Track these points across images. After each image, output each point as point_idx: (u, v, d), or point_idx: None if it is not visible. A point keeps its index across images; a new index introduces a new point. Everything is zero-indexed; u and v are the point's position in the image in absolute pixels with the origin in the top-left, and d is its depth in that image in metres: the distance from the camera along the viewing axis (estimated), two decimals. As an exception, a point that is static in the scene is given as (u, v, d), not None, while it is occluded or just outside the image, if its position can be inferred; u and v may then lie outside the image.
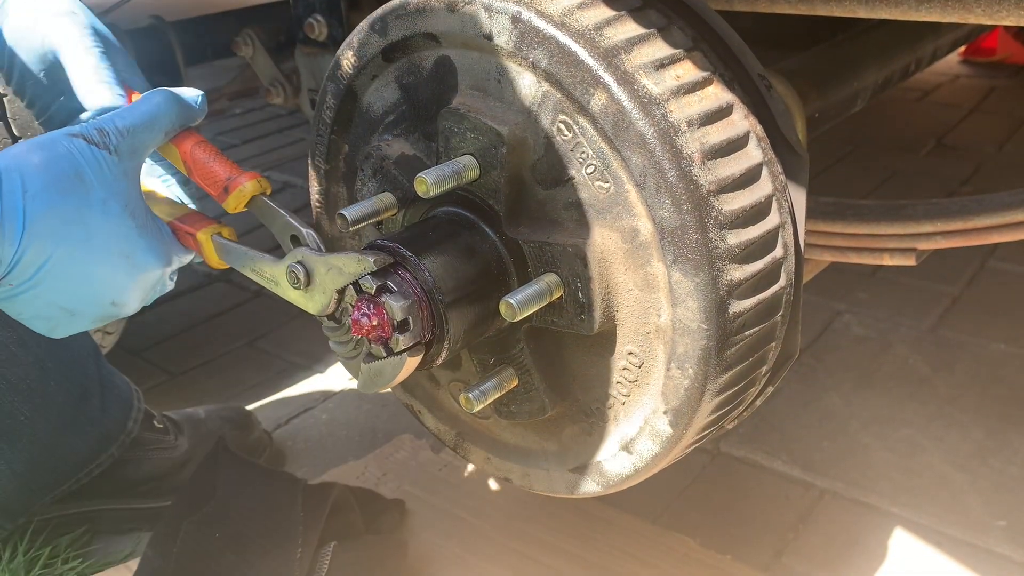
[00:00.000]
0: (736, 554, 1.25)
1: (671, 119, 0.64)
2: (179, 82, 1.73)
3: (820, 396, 1.58)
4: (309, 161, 0.87)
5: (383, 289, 0.69)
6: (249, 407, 1.62)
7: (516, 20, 0.67)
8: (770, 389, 0.80)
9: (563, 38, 0.65)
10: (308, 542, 1.15)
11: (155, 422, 1.37)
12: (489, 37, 0.69)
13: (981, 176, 2.37)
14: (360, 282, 0.70)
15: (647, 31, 0.68)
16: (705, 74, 0.68)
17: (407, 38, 0.74)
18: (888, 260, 0.99)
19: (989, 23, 0.66)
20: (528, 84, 0.69)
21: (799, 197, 0.73)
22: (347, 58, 0.79)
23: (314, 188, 0.88)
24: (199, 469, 1.27)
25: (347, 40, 0.79)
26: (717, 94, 0.68)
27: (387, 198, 0.77)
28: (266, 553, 1.13)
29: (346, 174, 0.85)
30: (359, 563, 1.17)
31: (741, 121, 0.69)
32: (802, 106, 0.96)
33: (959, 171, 2.40)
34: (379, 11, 0.75)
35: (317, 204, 0.89)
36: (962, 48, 2.48)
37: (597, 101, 0.65)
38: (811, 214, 1.02)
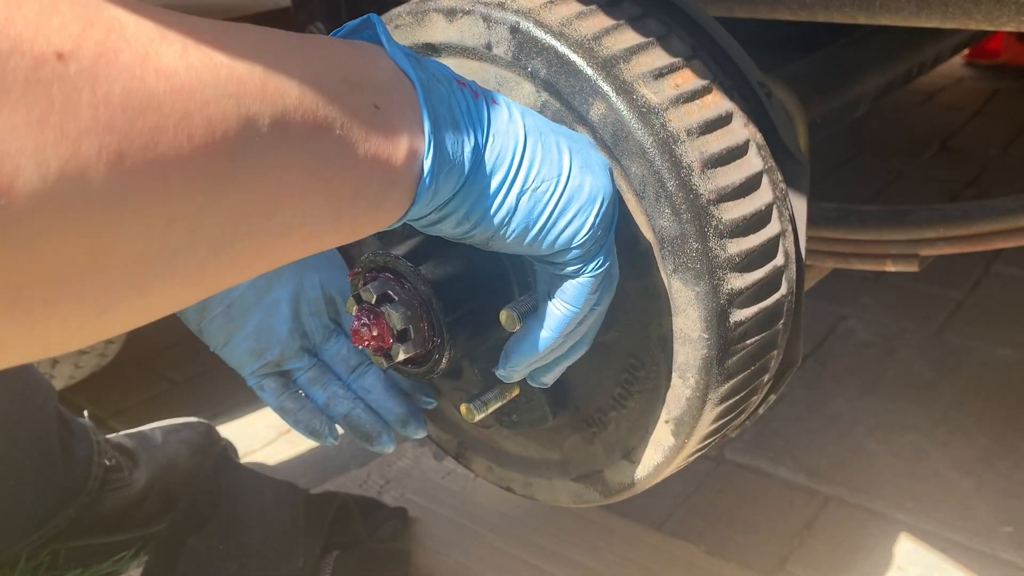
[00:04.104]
0: (740, 561, 1.25)
1: (670, 128, 0.64)
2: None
3: (824, 402, 1.57)
4: None
5: (384, 299, 0.69)
6: (251, 415, 1.62)
7: (515, 30, 0.66)
8: (772, 397, 0.79)
9: (561, 48, 0.65)
10: (310, 552, 1.15)
11: (106, 460, 1.29)
12: (488, 47, 0.68)
13: (985, 179, 2.37)
14: (360, 292, 0.70)
15: (646, 40, 0.68)
16: (704, 82, 0.68)
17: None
18: (891, 266, 0.98)
19: (990, 29, 0.66)
20: (527, 94, 0.68)
21: (800, 205, 0.73)
22: None
23: None
24: (202, 479, 1.27)
25: None
26: (717, 102, 0.68)
27: None
28: (268, 563, 1.13)
29: None
30: (361, 572, 1.17)
31: (741, 129, 0.68)
32: (804, 111, 0.96)
33: (963, 174, 2.40)
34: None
35: None
36: (966, 51, 2.47)
37: (596, 111, 0.64)
38: (813, 220, 1.02)
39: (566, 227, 0.58)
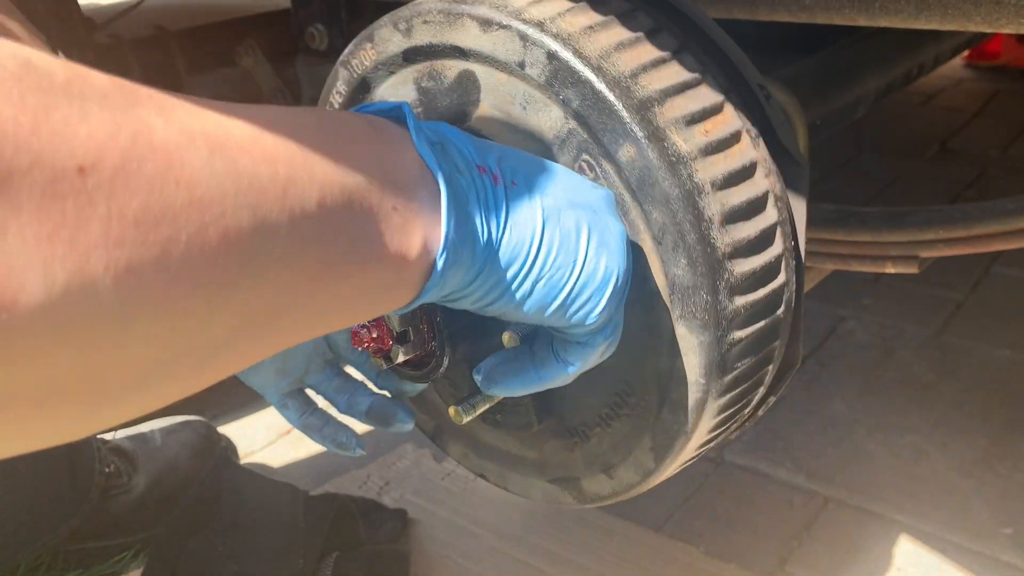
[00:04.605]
0: (740, 562, 1.25)
1: (696, 179, 0.63)
2: (181, 90, 1.73)
3: (824, 403, 1.57)
4: None
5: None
6: (251, 416, 1.62)
7: (552, 56, 0.64)
8: (772, 399, 0.79)
9: (598, 84, 0.63)
10: (310, 553, 1.15)
11: (107, 467, 1.29)
12: (521, 65, 0.66)
13: (985, 180, 2.37)
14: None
15: (683, 81, 0.66)
16: (733, 129, 0.67)
17: (432, 45, 0.71)
18: (891, 268, 0.98)
19: (989, 31, 0.66)
20: (555, 118, 0.66)
21: (800, 206, 0.73)
22: (364, 49, 0.75)
23: None
24: (202, 481, 1.26)
25: (366, 31, 0.75)
26: (743, 152, 0.67)
27: None
28: (268, 565, 1.13)
29: None
30: (361, 574, 1.17)
31: (762, 180, 0.68)
32: (803, 113, 0.96)
33: (963, 175, 2.40)
34: (405, 10, 0.72)
35: None
36: (966, 52, 2.47)
37: (625, 153, 0.63)
38: (813, 222, 1.02)
39: (580, 308, 0.58)
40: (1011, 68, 3.06)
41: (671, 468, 0.72)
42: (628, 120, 0.63)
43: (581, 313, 0.59)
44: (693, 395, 0.67)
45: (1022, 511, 1.31)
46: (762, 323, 0.68)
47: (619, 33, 0.66)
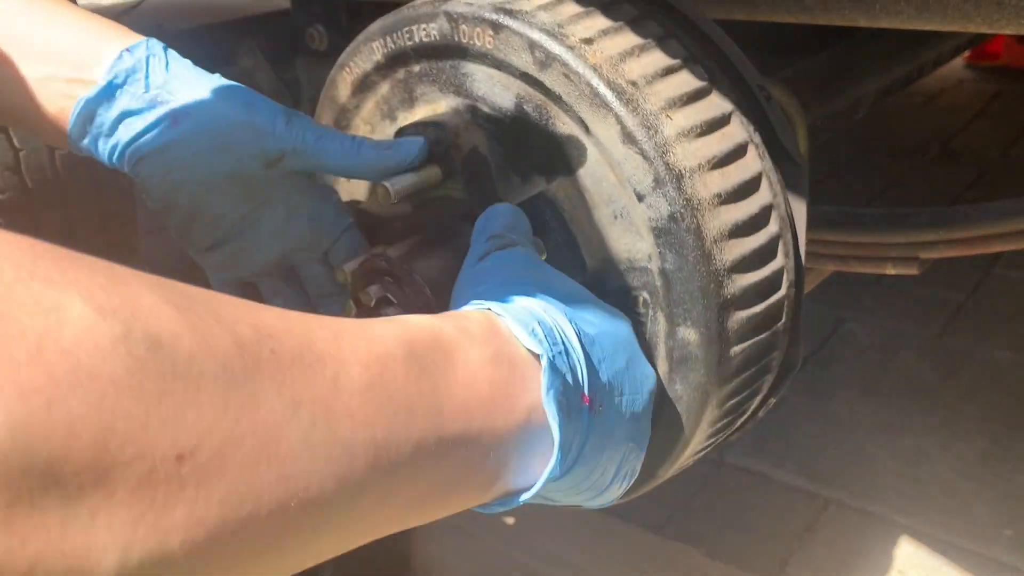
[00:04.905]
0: (740, 564, 1.24)
1: (725, 392, 0.66)
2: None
3: (825, 405, 1.57)
4: (360, 40, 0.78)
5: (383, 302, 0.69)
6: (252, 417, 1.62)
7: (674, 219, 0.62)
8: (772, 400, 0.79)
9: (702, 274, 0.62)
10: (310, 554, 1.15)
11: None
12: (640, 198, 0.63)
13: (986, 181, 2.36)
14: (360, 295, 0.70)
15: (765, 277, 0.66)
16: (768, 344, 0.68)
17: (562, 99, 0.65)
18: (891, 269, 0.98)
19: (989, 32, 0.66)
20: (640, 250, 0.64)
21: (800, 207, 0.73)
22: (482, 30, 0.68)
23: (356, 65, 0.80)
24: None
25: (493, 16, 0.67)
26: (765, 381, 0.69)
27: (433, 173, 0.72)
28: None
29: (400, 81, 0.78)
30: (361, 574, 1.17)
31: (761, 395, 0.71)
32: (804, 114, 0.96)
33: (964, 176, 2.40)
34: (549, 44, 0.65)
35: (348, 72, 0.81)
36: (966, 53, 2.47)
37: (686, 332, 0.63)
38: (813, 223, 1.02)
39: (592, 504, 0.61)
40: (1011, 69, 3.06)
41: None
42: (707, 317, 0.62)
43: (593, 506, 0.62)
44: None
45: (1023, 512, 1.31)
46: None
47: (739, 211, 0.64)
